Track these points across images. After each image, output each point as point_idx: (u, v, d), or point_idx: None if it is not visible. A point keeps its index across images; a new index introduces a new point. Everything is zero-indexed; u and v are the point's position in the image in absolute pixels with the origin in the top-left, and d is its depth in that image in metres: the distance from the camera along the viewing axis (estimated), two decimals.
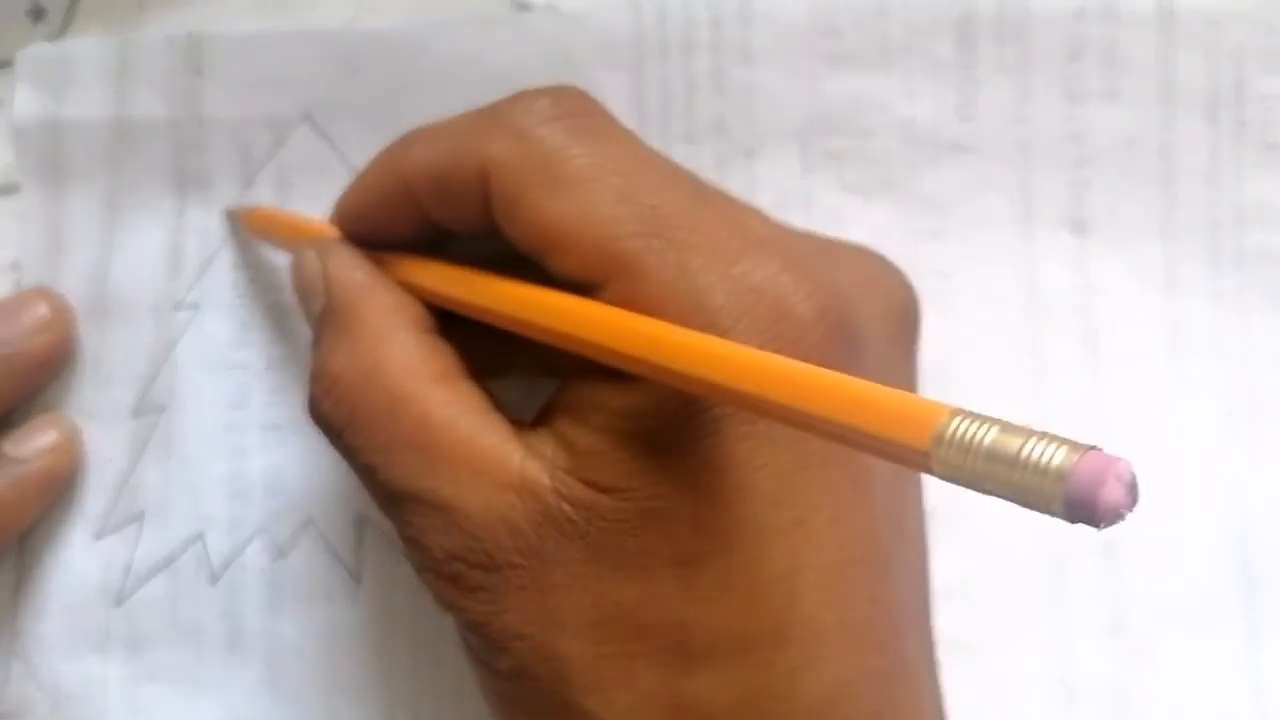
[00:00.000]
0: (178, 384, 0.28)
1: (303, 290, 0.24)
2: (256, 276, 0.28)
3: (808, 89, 0.27)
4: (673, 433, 0.19)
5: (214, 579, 0.27)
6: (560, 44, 0.27)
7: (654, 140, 0.26)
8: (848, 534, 0.20)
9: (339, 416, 0.21)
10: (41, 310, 0.27)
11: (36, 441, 0.27)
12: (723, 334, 0.19)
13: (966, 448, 0.13)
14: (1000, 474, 0.13)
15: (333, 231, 0.24)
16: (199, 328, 0.28)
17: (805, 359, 0.16)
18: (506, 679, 0.20)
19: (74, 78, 0.28)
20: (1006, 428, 0.13)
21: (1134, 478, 0.12)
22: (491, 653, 0.20)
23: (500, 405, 0.21)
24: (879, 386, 0.15)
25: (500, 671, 0.20)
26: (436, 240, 0.23)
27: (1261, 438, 0.26)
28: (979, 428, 0.13)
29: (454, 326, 0.23)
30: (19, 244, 0.28)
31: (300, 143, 0.28)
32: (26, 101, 0.28)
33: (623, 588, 0.19)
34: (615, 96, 0.27)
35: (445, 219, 0.22)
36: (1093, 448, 0.12)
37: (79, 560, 0.28)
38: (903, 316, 0.23)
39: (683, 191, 0.20)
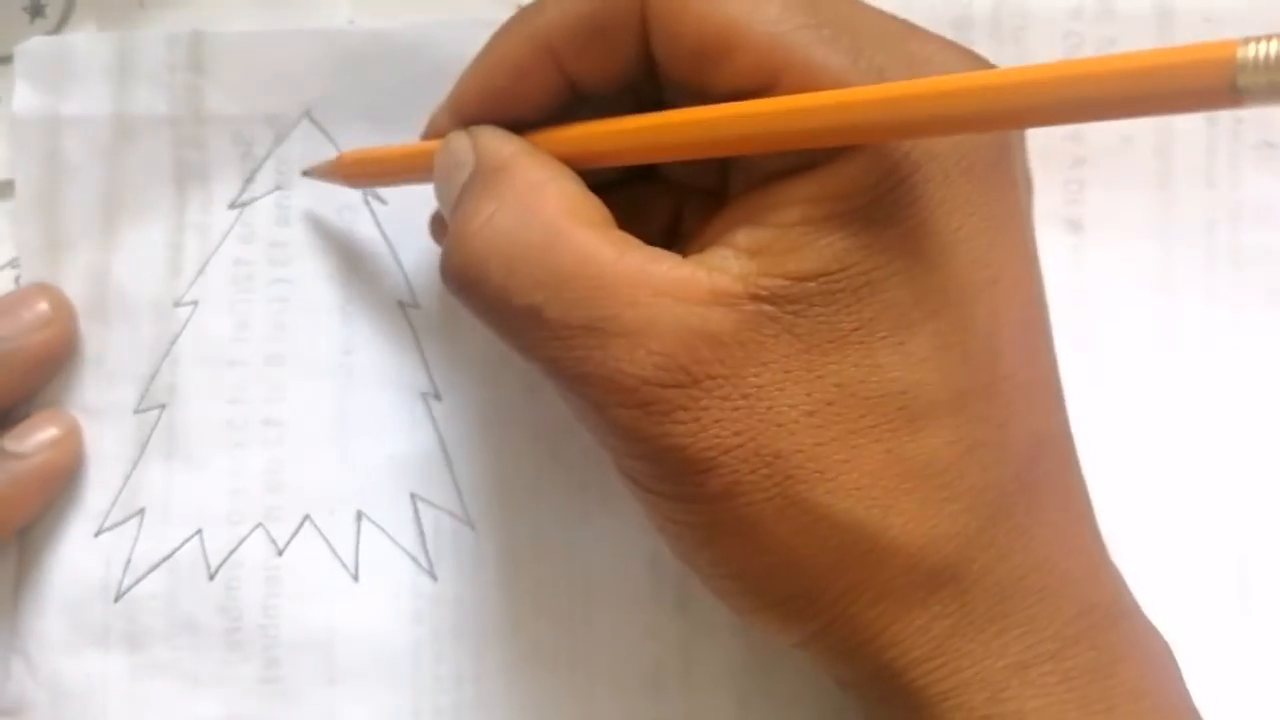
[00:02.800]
0: (178, 380, 0.28)
1: (448, 166, 0.23)
2: (256, 273, 0.28)
3: None
4: (876, 206, 0.19)
5: (212, 575, 0.27)
6: None
7: None
8: (1029, 294, 0.21)
9: (489, 257, 0.20)
10: (42, 306, 0.27)
11: (36, 437, 0.27)
12: None
13: (1269, 66, 0.14)
14: None
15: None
16: (199, 324, 0.28)
17: None
18: (714, 501, 0.20)
19: (74, 74, 0.28)
20: None
21: None
22: (697, 476, 0.19)
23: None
24: (1148, 50, 0.16)
25: (707, 495, 0.20)
26: (566, 113, 0.23)
27: (1256, 436, 0.27)
28: (1270, 43, 0.14)
29: None
30: (18, 240, 0.28)
31: (300, 140, 0.28)
32: (25, 97, 0.28)
33: (841, 369, 0.19)
34: None
35: (592, 71, 0.22)
36: None
37: (79, 556, 0.28)
38: None
39: None
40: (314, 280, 0.28)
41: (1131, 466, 0.27)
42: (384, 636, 0.27)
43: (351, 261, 0.28)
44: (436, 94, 0.27)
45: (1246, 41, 0.14)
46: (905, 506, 0.19)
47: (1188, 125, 0.27)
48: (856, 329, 0.19)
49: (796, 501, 0.19)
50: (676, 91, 0.22)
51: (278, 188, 0.28)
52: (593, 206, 0.21)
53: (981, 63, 0.21)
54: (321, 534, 0.27)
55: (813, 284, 0.19)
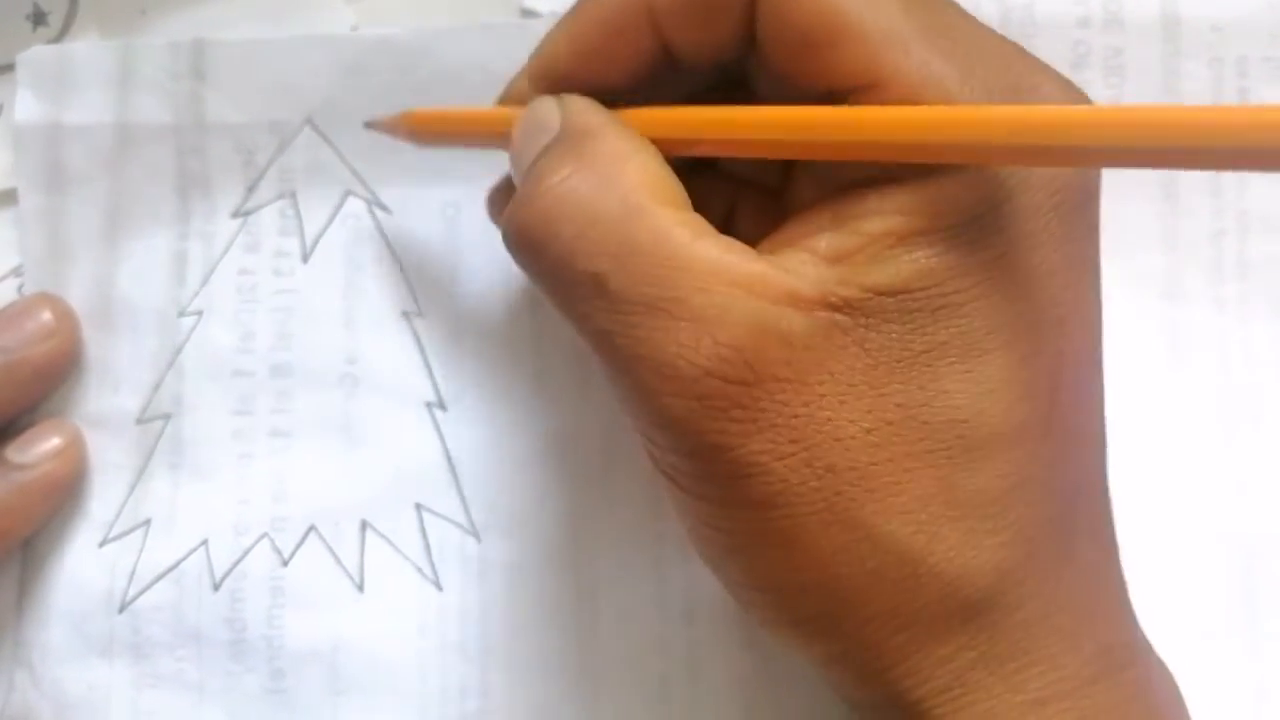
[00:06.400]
0: (183, 391, 0.28)
1: (530, 129, 0.22)
2: (261, 282, 0.28)
3: None
4: (968, 228, 0.19)
5: (217, 586, 0.27)
6: None
7: None
8: (1092, 340, 0.21)
9: (558, 217, 0.19)
10: (45, 316, 0.27)
11: (40, 447, 0.27)
12: None
13: None
14: None
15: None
16: (204, 334, 0.28)
17: None
18: (755, 508, 0.19)
19: (76, 82, 0.28)
20: None
21: None
22: (737, 481, 0.19)
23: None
24: (1266, 107, 0.15)
25: (747, 501, 0.19)
26: (656, 91, 0.22)
27: (1263, 446, 0.27)
28: None
29: None
30: (21, 250, 0.28)
31: (303, 148, 0.28)
32: (27, 106, 0.28)
33: (906, 389, 0.19)
34: None
35: (691, 41, 0.21)
36: None
37: (83, 567, 0.28)
38: None
39: (952, 6, 0.20)
40: (318, 289, 0.28)
41: (1138, 477, 0.27)
42: (389, 647, 0.27)
43: (356, 270, 0.28)
44: (438, 100, 0.27)
45: None
46: (949, 535, 0.19)
47: None
48: (927, 351, 0.19)
49: (842, 518, 0.19)
50: (772, 77, 0.21)
51: (281, 196, 0.28)
52: (675, 187, 0.20)
53: (1081, 96, 0.20)
54: (327, 545, 0.27)
55: (891, 299, 0.19)
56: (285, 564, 0.27)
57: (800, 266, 0.19)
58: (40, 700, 0.27)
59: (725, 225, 0.24)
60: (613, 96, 0.22)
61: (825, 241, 0.19)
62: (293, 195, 0.28)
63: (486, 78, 0.27)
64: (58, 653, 0.27)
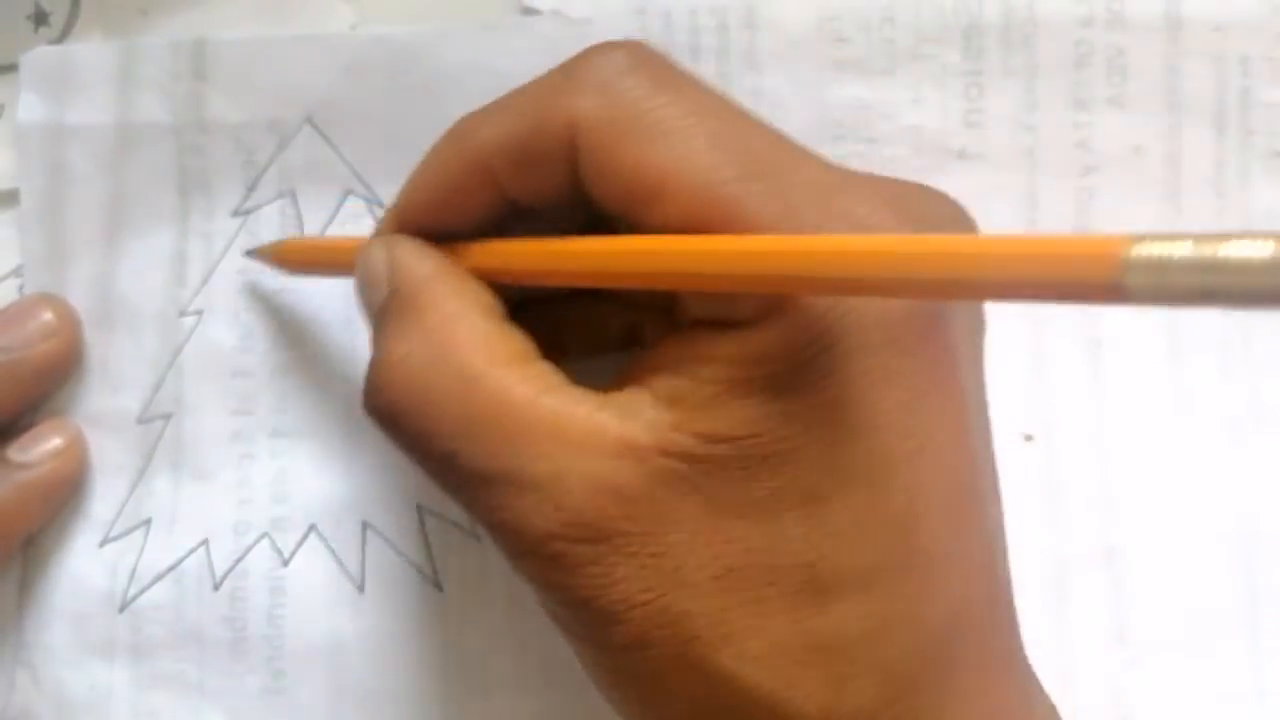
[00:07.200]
0: (184, 390, 0.28)
1: (367, 282, 0.23)
2: (262, 282, 0.28)
3: (814, 95, 0.27)
4: (795, 374, 0.19)
5: (217, 585, 0.27)
6: (566, 50, 0.26)
7: None
8: (957, 462, 0.20)
9: (405, 402, 0.20)
10: (46, 316, 0.27)
11: (41, 447, 0.27)
12: None
13: (1162, 266, 0.13)
14: (1205, 283, 0.13)
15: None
16: (204, 334, 0.28)
17: None
18: (622, 651, 0.19)
19: (77, 82, 0.28)
20: (1200, 238, 0.13)
21: None
22: (604, 626, 0.19)
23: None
24: (1046, 235, 0.15)
25: (615, 645, 0.19)
26: (501, 227, 0.22)
27: (1265, 447, 0.27)
28: (1170, 245, 0.13)
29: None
30: (22, 250, 0.28)
31: (302, 146, 0.28)
32: (30, 106, 0.28)
33: (749, 535, 0.19)
34: None
35: (525, 192, 0.21)
36: None
37: (84, 567, 0.28)
38: None
39: (770, 134, 0.20)
40: (319, 289, 0.28)
41: (1138, 479, 0.27)
42: (389, 648, 0.27)
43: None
44: (438, 100, 0.27)
45: (1140, 239, 0.13)
46: (808, 679, 0.19)
47: (1197, 135, 0.27)
48: (766, 496, 0.19)
49: (699, 663, 0.19)
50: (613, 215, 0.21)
51: (281, 195, 0.28)
52: (509, 340, 0.21)
53: (919, 220, 0.20)
54: (327, 545, 0.27)
55: (724, 446, 0.19)
56: (286, 564, 0.27)
57: (640, 409, 0.19)
58: (41, 700, 0.27)
59: (630, 338, 0.24)
60: (471, 236, 0.22)
61: (663, 382, 0.20)
62: (292, 194, 0.28)
63: (486, 77, 0.27)
64: (58, 653, 0.27)
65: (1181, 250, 0.13)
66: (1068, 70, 0.27)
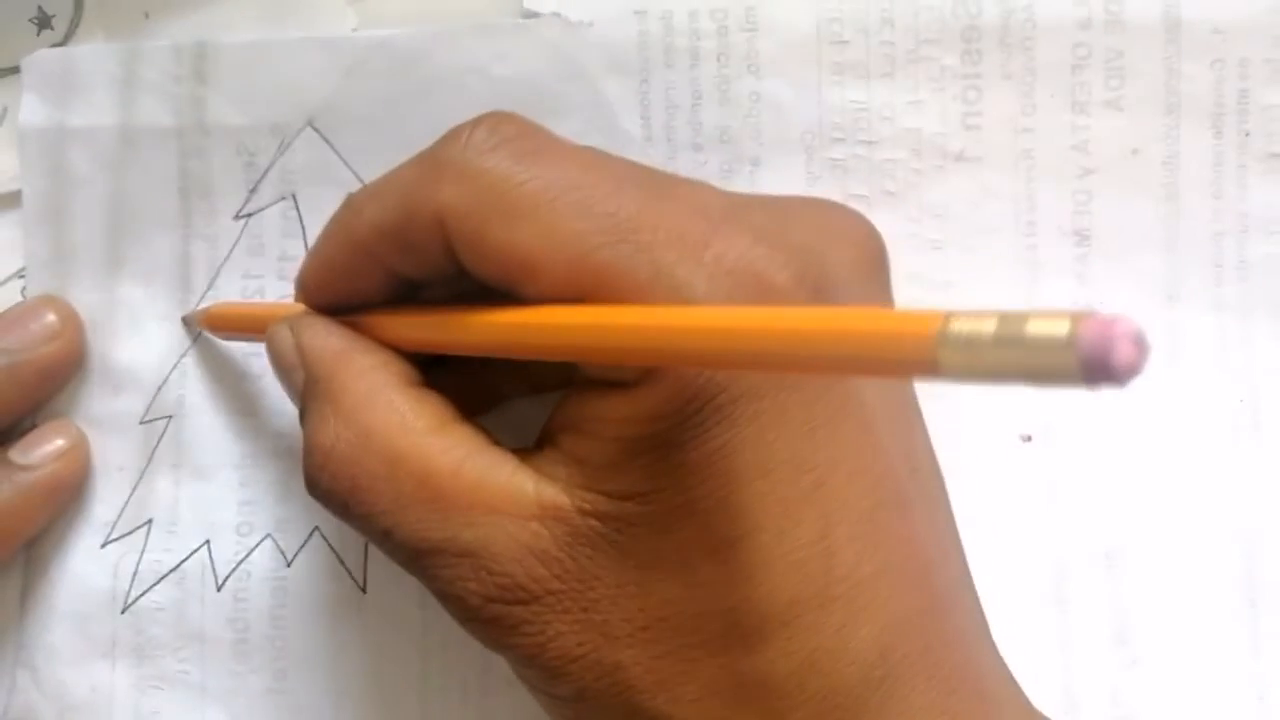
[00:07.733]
0: (187, 392, 0.28)
1: (280, 367, 0.23)
2: (267, 286, 0.28)
3: (813, 98, 0.27)
4: (683, 429, 0.19)
5: (220, 586, 0.27)
6: (566, 52, 0.27)
7: (659, 149, 0.27)
8: (868, 483, 0.20)
9: (340, 489, 0.21)
10: (49, 318, 0.27)
11: (44, 448, 0.27)
12: None
13: (971, 344, 0.13)
14: (1011, 360, 0.13)
15: (300, 308, 0.24)
16: (207, 336, 0.28)
17: None
18: (571, 702, 0.20)
19: (80, 85, 0.28)
20: (1005, 316, 0.13)
21: (1140, 333, 0.12)
22: (550, 680, 0.20)
23: (500, 435, 0.22)
24: (868, 309, 0.15)
25: (563, 696, 0.20)
26: (410, 291, 0.23)
27: (1264, 448, 0.27)
28: (979, 322, 0.13)
29: (438, 372, 0.23)
30: (25, 252, 0.28)
31: (303, 149, 0.28)
32: (32, 109, 0.28)
33: (667, 586, 0.19)
34: (621, 105, 0.27)
35: (412, 272, 0.22)
36: (1092, 313, 0.12)
37: (86, 567, 0.28)
38: (873, 258, 0.23)
39: (637, 191, 0.20)
40: None
41: (1138, 479, 0.27)
42: (392, 648, 0.27)
43: None
44: (441, 101, 0.27)
45: (952, 315, 0.13)
46: (744, 718, 0.19)
47: (1195, 137, 0.27)
48: (677, 549, 0.19)
49: (640, 710, 0.20)
50: None
51: (282, 198, 0.28)
52: (425, 408, 0.21)
53: (792, 252, 0.20)
54: (330, 545, 0.27)
55: (631, 504, 0.19)
56: (288, 564, 0.27)
57: (555, 468, 0.20)
58: (43, 701, 0.27)
59: (568, 375, 0.24)
60: (377, 304, 0.23)
61: (570, 442, 0.20)
62: (293, 197, 0.28)
63: (486, 79, 0.27)
64: (60, 654, 0.27)
65: (988, 327, 0.13)
66: (1066, 73, 0.27)
